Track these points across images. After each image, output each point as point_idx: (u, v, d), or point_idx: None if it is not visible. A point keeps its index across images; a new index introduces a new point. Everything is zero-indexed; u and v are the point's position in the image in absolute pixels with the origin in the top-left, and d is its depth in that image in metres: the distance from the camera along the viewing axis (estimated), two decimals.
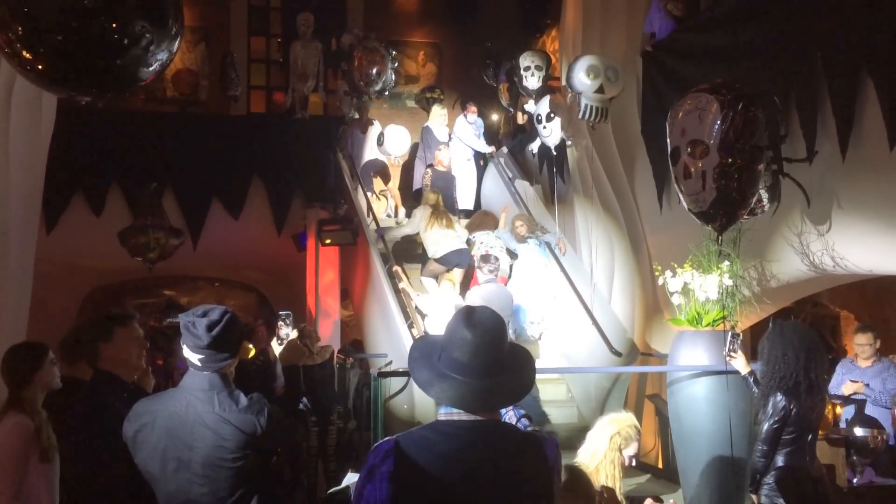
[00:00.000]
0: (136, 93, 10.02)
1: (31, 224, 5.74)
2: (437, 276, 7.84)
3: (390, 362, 6.61)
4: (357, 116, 10.11)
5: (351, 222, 8.60)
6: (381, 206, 10.01)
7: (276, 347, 7.44)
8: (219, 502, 2.42)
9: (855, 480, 4.97)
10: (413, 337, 6.49)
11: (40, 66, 2.60)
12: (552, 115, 7.16)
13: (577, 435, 4.00)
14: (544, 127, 7.24)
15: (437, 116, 10.01)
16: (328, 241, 8.63)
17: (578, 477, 3.34)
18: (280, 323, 7.75)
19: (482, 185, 9.65)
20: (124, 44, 2.57)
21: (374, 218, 8.96)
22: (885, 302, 8.73)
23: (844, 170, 4.67)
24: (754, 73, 5.20)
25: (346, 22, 11.41)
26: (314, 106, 10.61)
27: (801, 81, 4.91)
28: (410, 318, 7.02)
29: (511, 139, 10.25)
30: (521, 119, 10.13)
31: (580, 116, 6.39)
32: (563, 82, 7.08)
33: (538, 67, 7.87)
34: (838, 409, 5.48)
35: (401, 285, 7.39)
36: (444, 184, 9.06)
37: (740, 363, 4.25)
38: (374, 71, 8.97)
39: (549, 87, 7.99)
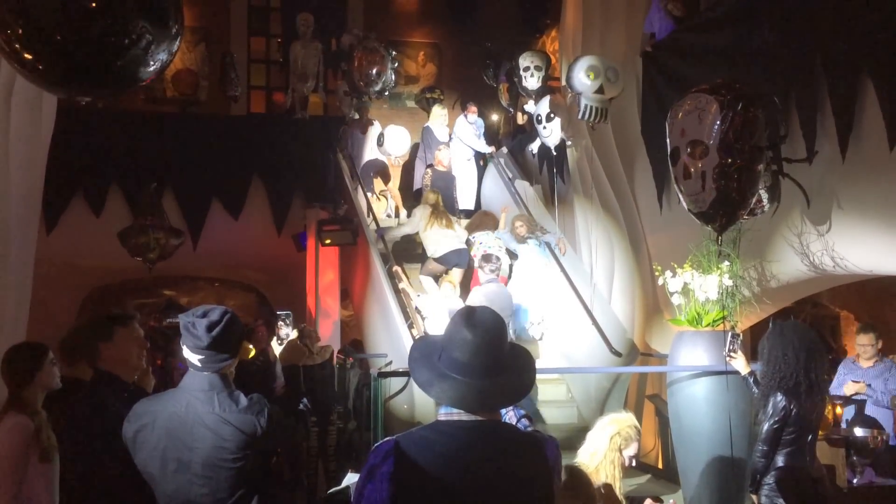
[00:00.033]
0: (136, 93, 10.05)
1: (31, 224, 5.74)
2: (435, 276, 7.85)
3: (390, 362, 6.61)
4: (357, 117, 10.12)
5: (351, 222, 8.60)
6: (381, 206, 10.01)
7: (276, 347, 7.45)
8: (219, 503, 2.42)
9: (855, 481, 4.96)
10: (413, 337, 6.49)
11: (40, 66, 2.60)
12: (552, 115, 7.16)
13: (576, 435, 4.00)
14: (544, 127, 7.24)
15: (438, 116, 10.01)
16: (328, 242, 8.63)
17: (578, 477, 3.34)
18: (280, 323, 7.76)
19: (482, 185, 9.65)
20: (124, 44, 2.57)
21: (374, 218, 8.96)
22: (884, 302, 8.74)
23: (844, 170, 4.67)
24: (754, 74, 5.20)
25: (346, 22, 11.42)
26: (314, 106, 10.61)
27: (801, 81, 4.91)
28: (410, 318, 7.02)
29: (511, 139, 10.25)
30: (520, 119, 10.13)
31: (580, 117, 6.39)
32: (563, 82, 7.08)
33: (538, 68, 7.88)
34: (838, 410, 5.48)
35: (401, 285, 7.39)
36: (444, 184, 9.06)
37: (740, 363, 4.25)
38: (374, 71, 8.98)
39: (549, 87, 7.99)
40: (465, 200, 9.44)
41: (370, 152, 10.21)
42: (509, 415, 2.42)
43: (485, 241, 7.43)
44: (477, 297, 6.47)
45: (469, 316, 1.88)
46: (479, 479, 1.79)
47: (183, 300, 11.61)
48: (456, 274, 7.68)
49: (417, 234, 7.99)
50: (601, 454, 3.45)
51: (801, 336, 3.89)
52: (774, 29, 5.22)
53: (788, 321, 4.16)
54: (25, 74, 2.68)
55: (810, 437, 3.89)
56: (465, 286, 7.60)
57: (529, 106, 8.30)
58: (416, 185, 9.90)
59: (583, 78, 6.21)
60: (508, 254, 7.57)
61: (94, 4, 2.48)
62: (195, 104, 10.95)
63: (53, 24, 2.48)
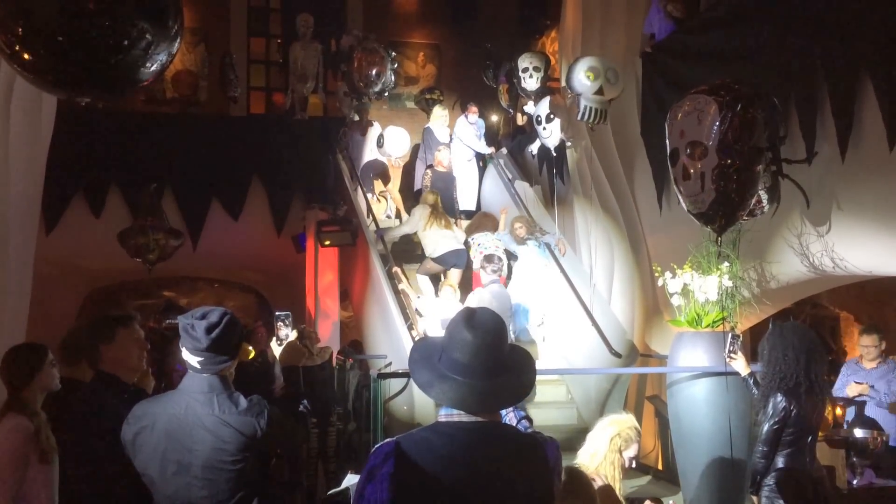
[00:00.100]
0: (136, 94, 10.03)
1: (31, 225, 5.75)
2: (432, 275, 7.87)
3: (390, 363, 6.61)
4: (357, 119, 10.11)
5: (350, 223, 8.60)
6: (381, 207, 10.01)
7: (276, 348, 7.44)
8: None
9: (855, 482, 4.96)
10: (412, 338, 6.49)
11: (40, 67, 2.60)
12: (552, 116, 7.17)
13: (576, 436, 3.99)
14: (544, 128, 7.25)
15: (439, 117, 10.01)
16: (327, 243, 8.63)
17: (578, 478, 3.33)
18: (279, 324, 7.75)
19: (482, 186, 9.65)
20: (124, 45, 2.57)
21: (374, 219, 8.96)
22: (884, 303, 8.74)
23: (844, 171, 4.67)
24: (754, 75, 5.20)
25: (346, 23, 11.41)
26: (314, 107, 10.60)
27: (801, 82, 4.91)
28: (410, 319, 7.03)
29: (510, 140, 10.25)
30: (520, 120, 10.13)
31: (579, 118, 6.39)
32: (563, 83, 7.08)
33: (536, 69, 7.87)
34: (838, 411, 5.48)
35: (400, 286, 7.40)
36: (444, 184, 9.07)
37: (740, 364, 4.25)
38: (374, 72, 8.98)
39: (549, 88, 7.99)
40: (466, 201, 9.43)
41: (370, 153, 10.21)
42: (509, 416, 2.42)
43: (483, 243, 7.44)
44: (477, 299, 6.48)
45: (469, 317, 1.88)
46: (479, 480, 1.79)
47: (182, 301, 11.59)
48: (454, 274, 7.69)
49: (416, 234, 8.00)
50: (601, 455, 3.45)
51: (801, 337, 3.89)
52: (774, 29, 5.22)
53: (788, 322, 4.16)
54: (25, 75, 2.68)
55: (810, 438, 3.89)
56: (464, 287, 7.60)
57: (529, 107, 8.30)
58: (417, 185, 9.90)
59: (582, 79, 6.21)
60: (508, 255, 7.58)
61: (93, 5, 2.48)
62: (195, 105, 10.95)
63: (53, 25, 2.48)
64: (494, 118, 11.22)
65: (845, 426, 5.29)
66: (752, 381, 4.19)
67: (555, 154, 7.45)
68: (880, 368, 5.64)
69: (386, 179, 10.26)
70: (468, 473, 1.79)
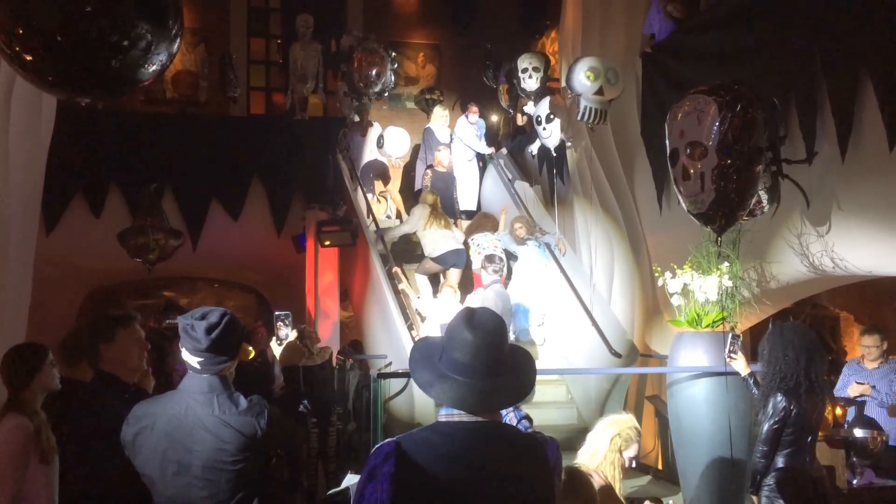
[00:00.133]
0: (136, 94, 10.02)
1: (31, 224, 5.75)
2: (431, 275, 7.87)
3: (390, 363, 6.61)
4: (357, 119, 10.11)
5: (350, 223, 8.61)
6: (381, 208, 10.01)
7: (276, 348, 7.44)
8: None
9: (855, 482, 4.97)
10: (412, 338, 6.50)
11: (40, 67, 2.60)
12: (552, 116, 7.17)
13: (576, 436, 3.99)
14: (544, 128, 7.25)
15: (439, 118, 10.01)
16: (327, 243, 8.63)
17: (579, 478, 3.33)
18: (279, 324, 7.75)
19: (482, 186, 9.65)
20: (124, 45, 2.57)
21: (374, 219, 8.96)
22: (884, 303, 8.74)
23: (844, 171, 4.67)
24: (754, 75, 5.20)
25: (346, 23, 11.41)
26: (314, 107, 10.60)
27: (801, 82, 4.91)
28: (410, 319, 7.03)
29: (510, 140, 10.25)
30: (520, 120, 10.13)
31: (579, 118, 6.40)
32: (563, 84, 7.08)
33: (536, 69, 7.88)
34: (838, 411, 5.48)
35: (400, 286, 7.41)
36: (444, 185, 9.07)
37: (741, 364, 4.25)
38: (374, 72, 8.98)
39: (548, 88, 8.00)
40: (467, 201, 9.43)
41: (370, 153, 10.21)
42: (510, 416, 2.42)
43: (482, 243, 7.44)
44: (481, 299, 6.49)
45: (469, 317, 1.88)
46: (479, 480, 1.79)
47: (182, 301, 11.59)
48: (454, 274, 7.70)
49: (415, 233, 8.00)
50: (601, 455, 3.45)
51: (801, 337, 3.89)
52: (774, 30, 5.22)
53: (788, 322, 4.16)
54: (25, 75, 2.67)
55: (810, 438, 3.89)
56: (464, 287, 7.61)
57: (529, 107, 8.30)
58: (417, 185, 9.91)
59: (582, 79, 6.21)
60: (507, 255, 7.58)
61: (93, 6, 2.48)
62: (195, 105, 10.94)
63: (53, 25, 2.48)
64: (494, 118, 11.23)
65: (846, 426, 5.29)
66: (752, 381, 4.19)
67: (555, 154, 7.46)
68: (882, 369, 5.64)
69: (386, 180, 10.26)
70: (468, 473, 1.80)
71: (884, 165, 4.43)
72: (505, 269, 7.22)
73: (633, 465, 3.54)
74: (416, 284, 7.91)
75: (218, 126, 10.00)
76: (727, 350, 4.28)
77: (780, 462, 3.84)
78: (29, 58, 2.56)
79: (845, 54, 4.60)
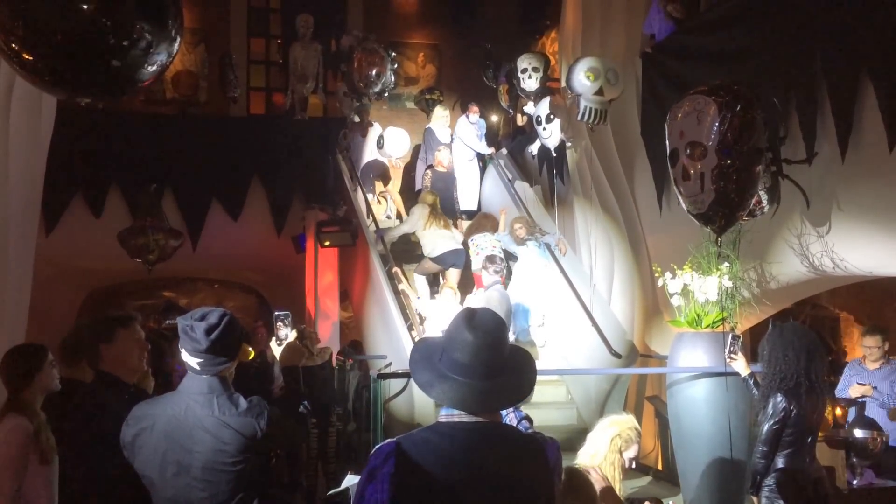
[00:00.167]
0: (136, 94, 10.02)
1: (31, 225, 5.74)
2: (430, 275, 7.87)
3: (389, 364, 6.61)
4: (357, 120, 10.11)
5: (350, 223, 8.61)
6: (381, 208, 10.01)
7: (276, 348, 7.44)
8: None
9: (855, 482, 4.96)
10: (412, 339, 6.50)
11: (40, 67, 2.60)
12: (552, 116, 7.17)
13: (576, 437, 3.99)
14: (544, 128, 7.25)
15: (440, 118, 10.01)
16: (327, 243, 8.63)
17: (579, 478, 3.34)
18: (279, 324, 7.74)
19: (482, 186, 9.65)
20: (124, 45, 2.57)
21: (374, 219, 8.96)
22: (884, 304, 8.75)
23: (844, 171, 4.67)
24: (754, 75, 5.20)
25: (346, 23, 11.41)
26: (314, 107, 10.61)
27: (801, 83, 4.91)
28: (410, 319, 7.03)
29: (510, 140, 10.26)
30: (520, 120, 10.13)
31: (579, 118, 6.40)
32: (563, 84, 7.08)
33: (535, 69, 7.88)
34: (838, 411, 5.47)
35: (400, 287, 7.40)
36: (444, 185, 9.07)
37: (741, 365, 4.25)
38: (374, 72, 8.98)
39: (548, 88, 8.00)
40: (468, 201, 9.43)
41: (370, 154, 10.21)
42: (510, 416, 2.42)
43: (481, 244, 7.44)
44: (484, 299, 6.49)
45: (469, 317, 1.88)
46: (479, 481, 1.79)
47: (182, 301, 11.60)
48: (453, 274, 7.70)
49: (415, 233, 8.00)
50: (601, 456, 3.46)
51: (801, 337, 3.89)
52: (774, 30, 5.22)
53: (788, 322, 4.15)
54: (25, 75, 2.67)
55: (810, 438, 3.89)
56: (463, 287, 7.61)
57: (529, 107, 8.30)
58: (417, 185, 9.91)
59: (582, 79, 6.21)
60: (507, 255, 7.58)
61: (93, 6, 2.48)
62: (195, 105, 10.94)
63: (53, 25, 2.48)
64: (494, 118, 11.23)
65: (846, 427, 5.29)
66: (752, 382, 4.18)
67: (555, 154, 7.46)
68: (883, 369, 5.63)
69: (386, 180, 10.25)
70: (469, 474, 1.79)
71: (884, 165, 4.43)
72: (505, 270, 7.22)
73: (633, 465, 3.54)
74: (416, 285, 7.91)
75: (218, 126, 10.00)
76: (727, 350, 4.28)
77: (780, 462, 3.83)
78: (29, 58, 2.56)
79: (845, 54, 4.60)
